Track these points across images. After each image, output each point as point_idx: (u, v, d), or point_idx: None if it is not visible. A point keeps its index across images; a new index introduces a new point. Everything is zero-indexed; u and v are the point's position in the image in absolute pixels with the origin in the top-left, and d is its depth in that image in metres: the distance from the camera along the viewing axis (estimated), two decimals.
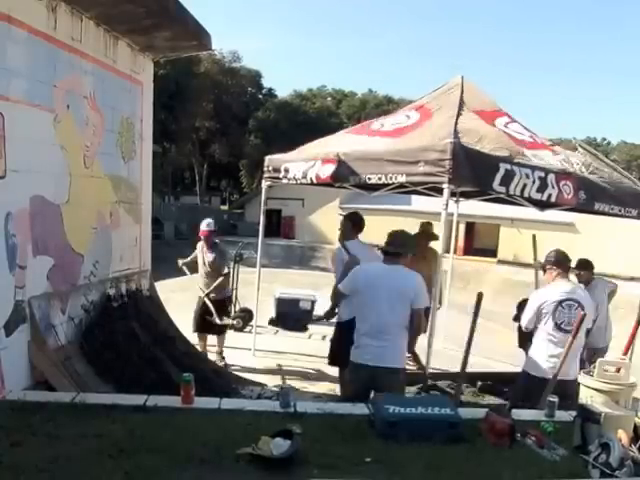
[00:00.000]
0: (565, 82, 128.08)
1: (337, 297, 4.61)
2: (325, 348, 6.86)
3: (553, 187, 5.01)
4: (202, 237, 7.08)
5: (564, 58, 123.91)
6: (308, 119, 41.44)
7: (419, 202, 16.92)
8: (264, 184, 7.18)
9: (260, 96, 46.60)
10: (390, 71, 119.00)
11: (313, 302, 10.15)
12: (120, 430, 3.09)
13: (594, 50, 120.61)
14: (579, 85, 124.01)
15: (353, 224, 5.36)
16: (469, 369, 5.74)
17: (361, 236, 5.41)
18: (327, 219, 29.95)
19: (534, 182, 4.90)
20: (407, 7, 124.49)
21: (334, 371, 6.50)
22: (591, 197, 5.38)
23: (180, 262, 7.60)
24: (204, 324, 7.09)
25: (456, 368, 5.14)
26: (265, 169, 6.95)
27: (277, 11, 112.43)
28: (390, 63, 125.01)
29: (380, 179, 5.22)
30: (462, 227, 21.47)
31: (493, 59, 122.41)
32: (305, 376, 6.87)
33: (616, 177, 5.88)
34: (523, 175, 4.84)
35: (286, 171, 6.49)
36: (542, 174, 4.97)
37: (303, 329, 9.44)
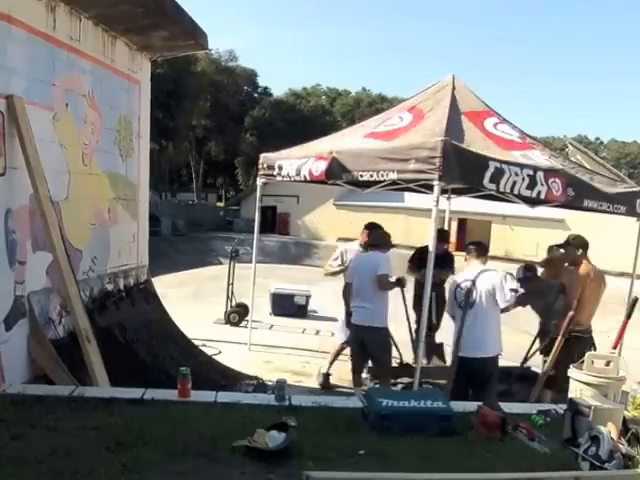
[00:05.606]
0: (557, 81, 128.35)
1: None
2: (319, 342, 6.96)
3: (542, 184, 5.05)
4: None
5: (557, 57, 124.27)
6: (302, 117, 41.41)
7: (411, 199, 16.94)
8: (259, 181, 7.23)
9: (256, 95, 46.47)
10: (384, 70, 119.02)
11: (307, 297, 10.26)
12: (118, 423, 3.11)
13: (587, 50, 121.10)
14: (571, 84, 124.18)
15: None
16: None
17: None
18: (322, 216, 29.95)
19: (523, 179, 4.93)
20: (402, 6, 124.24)
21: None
22: (580, 194, 5.42)
23: None
24: None
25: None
26: (260, 167, 6.98)
27: (274, 7, 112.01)
28: (384, 62, 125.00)
29: (372, 176, 5.23)
30: (454, 224, 21.44)
31: (486, 57, 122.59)
32: (300, 370, 6.92)
33: (605, 174, 5.93)
34: (512, 173, 4.87)
35: (280, 168, 6.52)
36: (531, 172, 5.01)
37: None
